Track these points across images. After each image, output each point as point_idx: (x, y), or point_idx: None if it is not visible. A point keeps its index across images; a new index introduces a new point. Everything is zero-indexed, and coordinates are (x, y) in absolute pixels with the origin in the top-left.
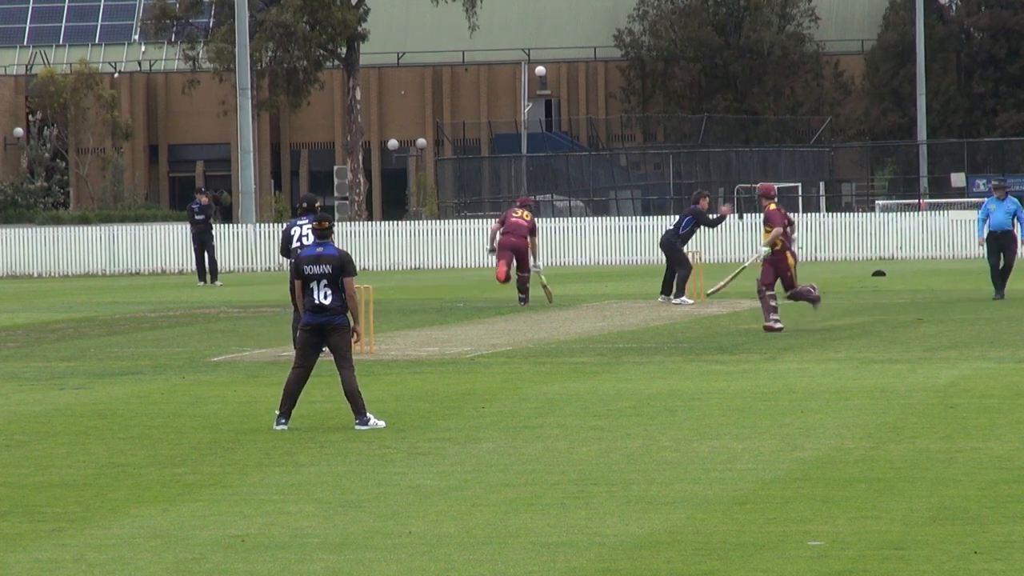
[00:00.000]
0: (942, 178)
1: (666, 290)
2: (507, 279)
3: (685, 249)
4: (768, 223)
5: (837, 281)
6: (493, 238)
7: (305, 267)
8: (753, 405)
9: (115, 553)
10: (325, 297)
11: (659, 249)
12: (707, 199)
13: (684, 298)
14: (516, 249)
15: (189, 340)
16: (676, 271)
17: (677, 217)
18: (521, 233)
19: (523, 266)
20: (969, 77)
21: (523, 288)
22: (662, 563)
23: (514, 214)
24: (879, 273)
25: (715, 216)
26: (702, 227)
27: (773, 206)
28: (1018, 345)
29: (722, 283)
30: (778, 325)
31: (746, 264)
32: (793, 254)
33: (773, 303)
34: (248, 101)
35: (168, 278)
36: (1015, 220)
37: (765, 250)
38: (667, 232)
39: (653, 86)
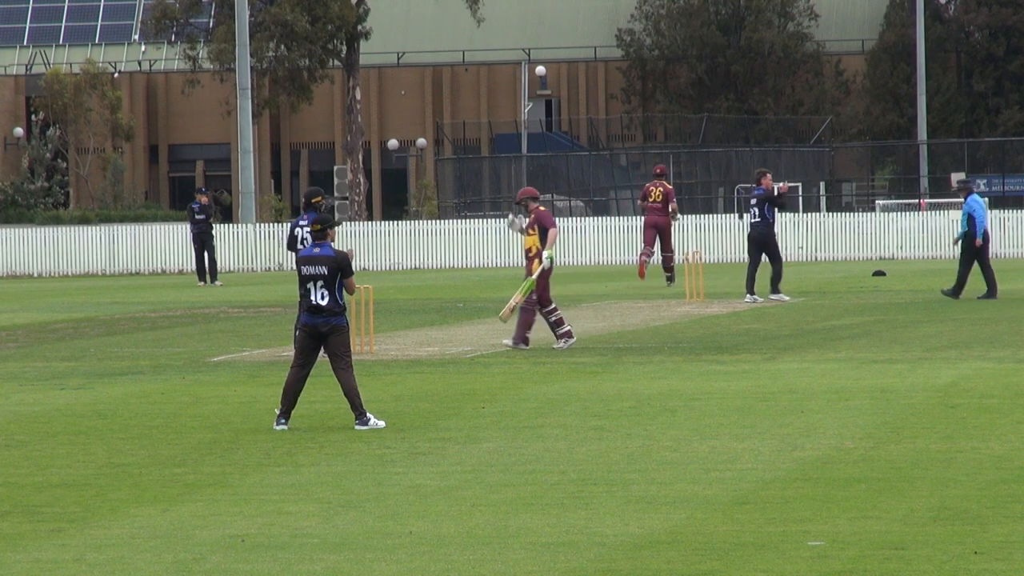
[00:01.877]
0: (942, 178)
1: (774, 288)
2: (643, 276)
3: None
4: (543, 222)
5: (837, 281)
6: (643, 212)
7: (303, 268)
8: (753, 405)
9: (115, 553)
10: (322, 298)
11: (733, 246)
12: (769, 177)
13: (782, 295)
14: (658, 227)
15: (189, 340)
16: (773, 265)
17: (754, 208)
18: (660, 211)
19: (666, 245)
20: (969, 76)
21: (668, 267)
22: (662, 563)
23: (650, 195)
24: (879, 273)
25: (778, 195)
26: (767, 207)
27: (543, 207)
28: (1018, 345)
29: (512, 303)
30: (571, 340)
31: (535, 275)
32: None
33: (556, 316)
34: (248, 101)
35: (168, 278)
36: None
37: (549, 253)
38: (754, 224)
39: (653, 86)
